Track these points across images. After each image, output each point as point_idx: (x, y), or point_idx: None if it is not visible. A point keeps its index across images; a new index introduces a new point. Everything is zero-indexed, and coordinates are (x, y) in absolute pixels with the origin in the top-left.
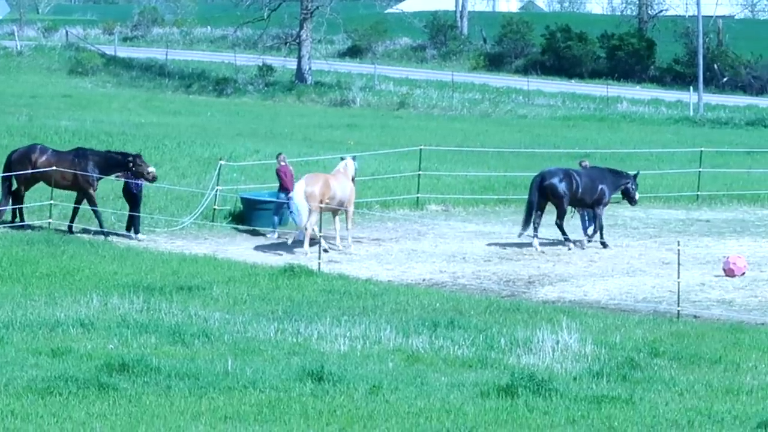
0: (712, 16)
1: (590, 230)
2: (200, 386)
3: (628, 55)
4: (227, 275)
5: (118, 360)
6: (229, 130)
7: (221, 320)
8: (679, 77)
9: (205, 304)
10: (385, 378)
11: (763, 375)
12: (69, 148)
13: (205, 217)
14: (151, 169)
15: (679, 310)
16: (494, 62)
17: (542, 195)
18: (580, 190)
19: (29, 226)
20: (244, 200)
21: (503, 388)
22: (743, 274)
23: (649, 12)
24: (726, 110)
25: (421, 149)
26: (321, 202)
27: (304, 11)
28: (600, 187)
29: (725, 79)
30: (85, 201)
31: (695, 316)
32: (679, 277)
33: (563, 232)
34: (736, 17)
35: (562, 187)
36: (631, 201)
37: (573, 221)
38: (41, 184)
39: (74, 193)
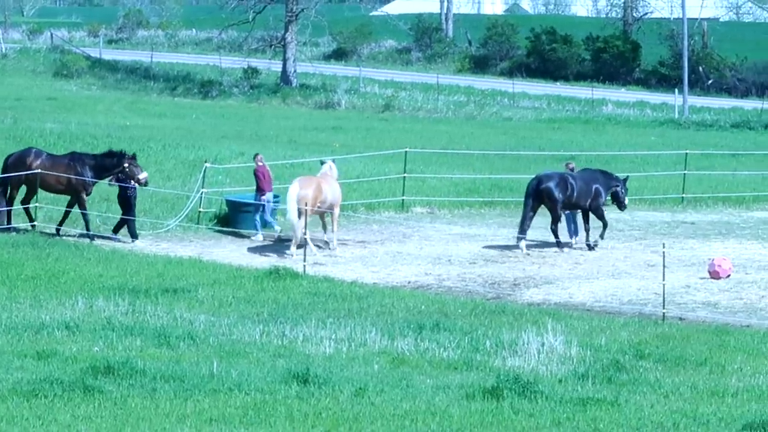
0: (697, 19)
1: (599, 234)
2: (185, 389)
3: (613, 58)
4: (212, 277)
5: (103, 362)
6: (214, 132)
7: (206, 323)
8: (664, 80)
9: (191, 306)
10: (370, 380)
11: (749, 377)
12: (63, 153)
13: (190, 219)
14: (143, 175)
15: (664, 313)
16: (479, 65)
17: (537, 198)
18: (575, 194)
19: (15, 229)
20: (229, 203)
21: (489, 390)
22: (728, 276)
23: (634, 14)
24: (711, 113)
25: (406, 152)
26: (313, 205)
27: (289, 14)
28: (594, 187)
29: (710, 82)
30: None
31: (680, 319)
32: (664, 280)
33: (556, 237)
34: (720, 20)
35: (557, 191)
36: (620, 205)
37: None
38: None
39: (59, 196)
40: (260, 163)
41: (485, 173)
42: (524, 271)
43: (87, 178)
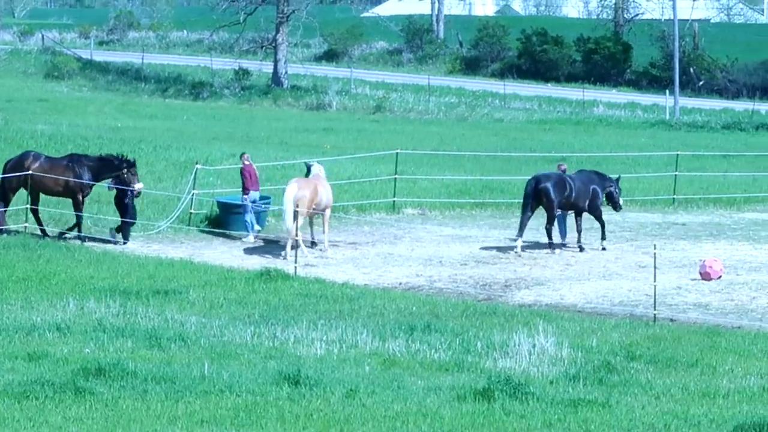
0: (688, 20)
1: (600, 236)
2: (177, 390)
3: (604, 59)
4: (203, 279)
5: (94, 364)
6: (205, 134)
7: (198, 324)
8: (655, 81)
9: (182, 308)
10: (361, 382)
11: (740, 378)
12: (54, 154)
13: (181, 221)
14: (138, 185)
15: (655, 314)
16: (470, 66)
17: (536, 198)
18: (573, 194)
19: (6, 231)
20: (221, 204)
21: (480, 391)
22: (719, 277)
23: (625, 16)
24: (702, 114)
25: (397, 153)
26: (309, 207)
27: (281, 15)
28: (592, 188)
29: (701, 83)
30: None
31: (672, 320)
32: (655, 281)
33: (550, 238)
34: (711, 21)
35: (555, 191)
36: (615, 206)
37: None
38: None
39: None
40: (247, 162)
41: (476, 174)
42: (515, 272)
43: (85, 180)
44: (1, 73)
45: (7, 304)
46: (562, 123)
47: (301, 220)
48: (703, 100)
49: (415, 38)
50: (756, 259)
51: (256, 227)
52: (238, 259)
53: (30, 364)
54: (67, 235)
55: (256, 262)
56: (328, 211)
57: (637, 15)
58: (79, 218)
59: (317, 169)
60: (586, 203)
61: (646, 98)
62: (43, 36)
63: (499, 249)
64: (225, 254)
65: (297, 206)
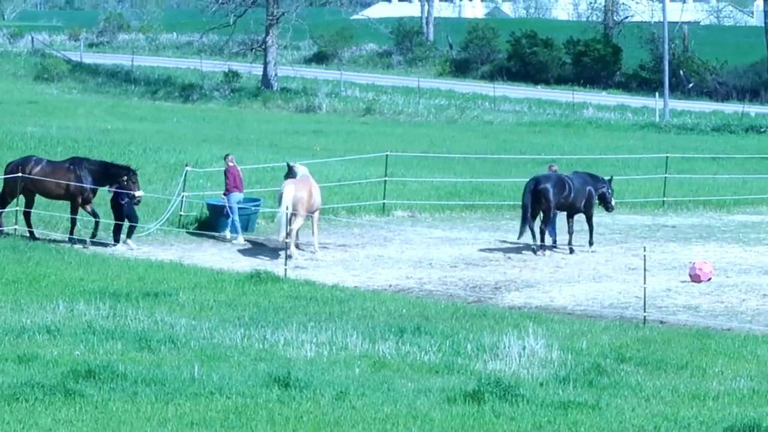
0: (677, 22)
1: (588, 241)
2: (167, 392)
3: (593, 61)
4: (193, 281)
5: (84, 366)
6: (195, 136)
7: (187, 326)
8: (644, 83)
9: (172, 310)
10: (351, 384)
11: (730, 380)
12: (45, 156)
13: (171, 223)
14: (139, 193)
15: (645, 316)
16: (460, 68)
17: (535, 199)
18: (572, 194)
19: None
20: (210, 206)
21: (470, 393)
22: (709, 279)
23: (615, 18)
24: (692, 116)
25: (387, 155)
26: (308, 208)
27: (270, 17)
28: (588, 189)
29: (691, 85)
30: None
31: (661, 322)
32: (645, 283)
33: (542, 239)
34: (701, 23)
35: (554, 192)
36: (608, 206)
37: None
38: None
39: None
40: (231, 164)
41: (466, 177)
42: (505, 274)
43: (86, 184)
44: None
45: None
46: (551, 125)
47: (301, 221)
48: (693, 103)
49: (405, 40)
50: (746, 261)
51: (241, 239)
52: (228, 262)
53: (20, 366)
54: (92, 240)
55: (246, 265)
56: (317, 213)
57: (627, 17)
58: (74, 221)
59: (303, 170)
60: (582, 204)
61: (636, 100)
62: (32, 38)
63: (489, 251)
64: (215, 256)
65: (296, 208)
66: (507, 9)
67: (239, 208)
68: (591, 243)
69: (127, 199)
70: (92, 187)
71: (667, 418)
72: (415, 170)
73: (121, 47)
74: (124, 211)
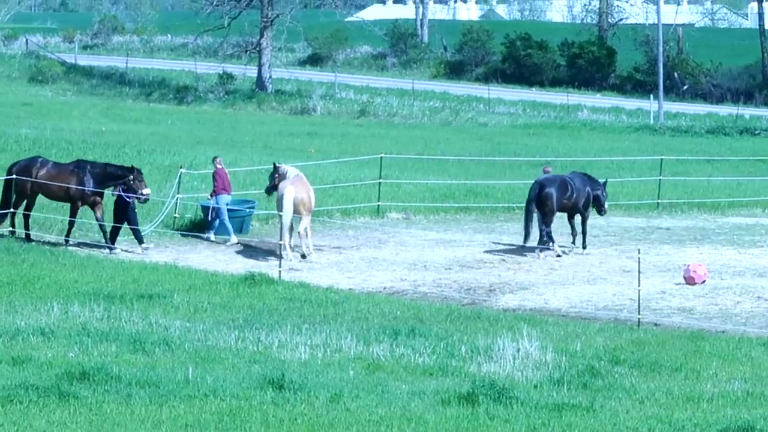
0: (672, 25)
1: (578, 240)
2: (161, 394)
3: (588, 63)
4: (188, 283)
5: (78, 368)
6: (189, 138)
7: (182, 328)
8: (639, 85)
9: (166, 312)
10: (346, 386)
11: (724, 383)
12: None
13: (165, 225)
14: (146, 191)
15: (639, 318)
16: (455, 70)
17: (539, 203)
18: (574, 195)
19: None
20: (205, 208)
21: (464, 396)
22: (704, 282)
23: (609, 20)
24: (686, 118)
25: (381, 157)
26: (308, 209)
27: (265, 19)
28: (587, 189)
29: (685, 87)
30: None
31: (656, 324)
32: (639, 285)
33: (542, 241)
34: (696, 25)
35: (557, 195)
36: (600, 210)
37: (534, 228)
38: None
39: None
40: (219, 166)
41: (461, 179)
42: (500, 276)
43: (87, 188)
44: None
45: None
46: (546, 127)
47: (307, 222)
48: (688, 105)
49: (400, 42)
50: (740, 264)
51: (234, 239)
52: (223, 264)
53: (14, 368)
54: (111, 246)
55: (241, 266)
56: (310, 215)
57: (621, 19)
58: (72, 224)
59: (295, 171)
60: (582, 204)
61: (631, 103)
62: (27, 40)
63: (483, 253)
64: (209, 258)
65: (297, 209)
66: (501, 11)
67: (234, 210)
68: (584, 246)
69: (133, 201)
70: (94, 190)
71: (661, 420)
72: (409, 172)
73: (115, 49)
74: (128, 214)
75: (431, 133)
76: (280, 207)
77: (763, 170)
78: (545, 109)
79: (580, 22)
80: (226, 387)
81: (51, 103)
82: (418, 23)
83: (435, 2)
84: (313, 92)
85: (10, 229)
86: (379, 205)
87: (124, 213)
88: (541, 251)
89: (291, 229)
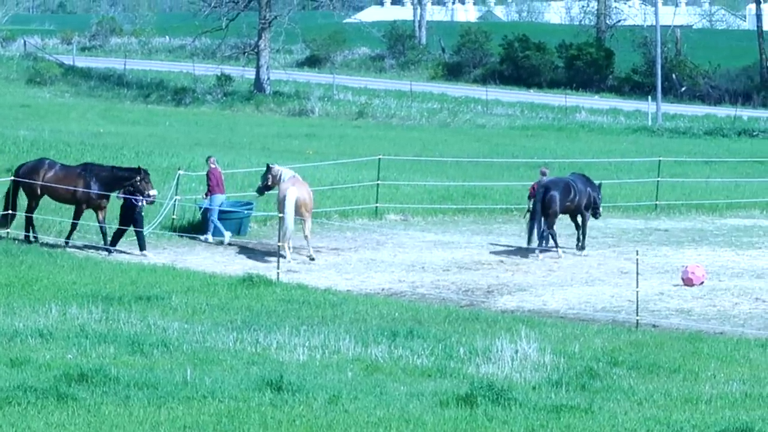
0: (670, 26)
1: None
2: (159, 396)
3: (586, 65)
4: (186, 285)
5: (76, 370)
6: (187, 139)
7: (180, 330)
8: (637, 87)
9: (164, 313)
10: (344, 387)
11: (722, 384)
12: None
13: (163, 226)
14: (153, 192)
15: (638, 320)
16: (453, 72)
17: (544, 206)
18: (577, 197)
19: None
20: (203, 210)
21: (462, 397)
22: (702, 283)
23: (608, 22)
24: (684, 120)
25: (379, 159)
26: (310, 210)
27: (263, 21)
28: (588, 190)
29: (683, 89)
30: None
31: (654, 326)
32: (637, 287)
33: (542, 242)
34: (694, 27)
35: (561, 198)
36: (596, 212)
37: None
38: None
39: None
40: (213, 166)
41: (459, 180)
42: (498, 278)
43: (94, 191)
44: None
45: None
46: (544, 129)
47: (310, 224)
48: (686, 106)
49: (398, 44)
50: (738, 265)
51: (227, 234)
52: (221, 265)
53: (12, 370)
54: (109, 248)
55: (239, 268)
56: (311, 216)
57: (619, 21)
58: (74, 226)
59: (291, 173)
60: (583, 205)
61: (629, 104)
62: (25, 42)
63: (481, 255)
64: (207, 260)
65: (299, 211)
66: (499, 13)
67: (232, 211)
68: (582, 247)
69: (141, 203)
70: (100, 193)
71: (659, 421)
72: (407, 174)
73: (113, 51)
74: (134, 216)
75: (429, 135)
76: (281, 208)
77: (761, 172)
78: (543, 111)
79: (578, 23)
80: (224, 388)
81: (49, 104)
82: (416, 25)
83: (433, 4)
84: (311, 94)
85: (34, 235)
86: (377, 207)
87: (131, 216)
88: (540, 252)
89: (292, 230)
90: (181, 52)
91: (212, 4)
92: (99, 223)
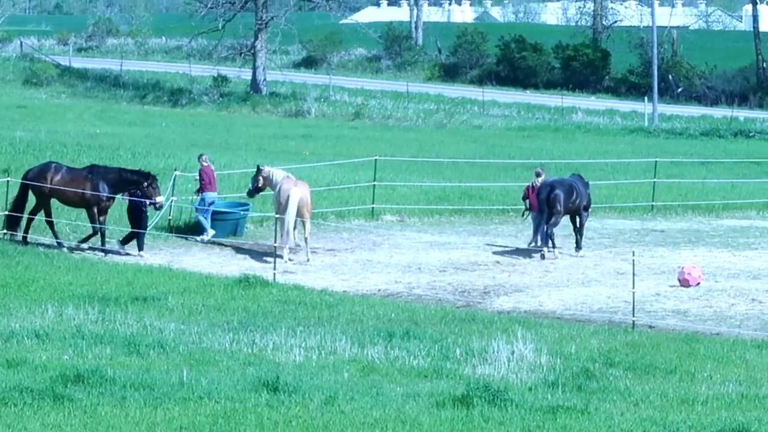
0: (666, 27)
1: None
2: (155, 397)
3: (582, 66)
4: (182, 286)
5: (73, 371)
6: (183, 140)
7: (176, 331)
8: (633, 88)
9: (160, 314)
10: (340, 388)
11: (718, 385)
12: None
13: (160, 227)
14: (160, 198)
15: (634, 320)
16: (449, 73)
17: (549, 205)
18: (578, 199)
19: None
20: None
21: (459, 398)
22: (698, 284)
23: (604, 23)
24: (680, 120)
25: (376, 160)
26: (310, 209)
27: (259, 22)
28: (587, 192)
29: (680, 90)
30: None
31: (650, 326)
32: (634, 288)
33: (551, 241)
34: (690, 28)
35: (565, 198)
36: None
37: (528, 231)
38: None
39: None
40: (205, 164)
41: (455, 181)
42: (494, 279)
43: (104, 193)
44: None
45: None
46: (540, 130)
47: (309, 225)
48: (682, 107)
49: (394, 45)
50: (734, 266)
51: (211, 232)
52: (217, 266)
53: (8, 371)
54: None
55: (235, 269)
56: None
57: (616, 22)
58: (96, 230)
59: (285, 174)
60: (583, 207)
61: (625, 105)
62: (21, 43)
63: (477, 255)
64: (204, 261)
65: (301, 212)
66: (496, 13)
67: (229, 212)
68: (579, 247)
69: (147, 206)
70: (109, 195)
71: (655, 422)
72: (404, 175)
73: (110, 52)
74: (143, 219)
75: (426, 136)
76: (282, 208)
77: (758, 172)
78: (540, 112)
79: (574, 24)
80: (220, 389)
81: (45, 105)
82: (413, 26)
83: (429, 5)
84: (307, 95)
85: (57, 241)
86: (373, 208)
87: (138, 217)
88: (554, 248)
89: (306, 227)
90: (177, 52)
91: (209, 5)
92: (100, 224)
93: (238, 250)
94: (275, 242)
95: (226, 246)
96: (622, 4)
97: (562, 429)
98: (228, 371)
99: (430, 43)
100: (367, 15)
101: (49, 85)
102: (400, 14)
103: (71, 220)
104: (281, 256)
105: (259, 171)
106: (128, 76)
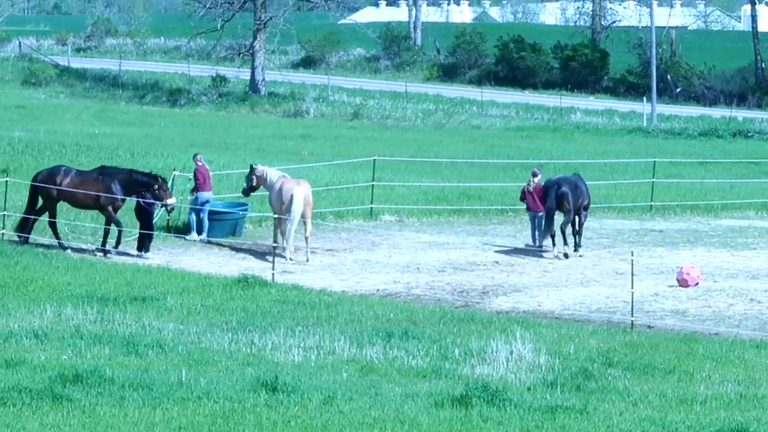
0: (665, 27)
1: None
2: (154, 397)
3: (581, 66)
4: (181, 286)
5: (71, 371)
6: (182, 140)
7: (175, 331)
8: (632, 88)
9: (159, 314)
10: (339, 388)
11: (717, 385)
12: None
13: (158, 227)
14: (171, 200)
15: (632, 321)
16: (448, 73)
17: (558, 203)
18: (580, 199)
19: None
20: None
21: (457, 398)
22: (697, 284)
23: (603, 23)
24: (679, 121)
25: (374, 160)
26: (312, 208)
27: (258, 22)
28: (588, 192)
29: (678, 90)
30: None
31: (649, 327)
32: (632, 288)
33: (566, 240)
34: (689, 28)
35: (572, 195)
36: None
37: (526, 231)
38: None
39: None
40: (200, 163)
41: (454, 181)
42: (493, 279)
43: (117, 195)
44: None
45: None
46: (539, 130)
47: (310, 225)
48: (681, 107)
49: (393, 45)
50: (733, 266)
51: (195, 236)
52: (216, 266)
53: (7, 371)
54: (117, 250)
55: (234, 269)
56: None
57: (615, 22)
58: (116, 230)
59: (277, 172)
60: (583, 206)
61: (624, 105)
62: (20, 43)
63: (476, 255)
64: (202, 261)
65: (304, 212)
66: (495, 14)
67: (227, 213)
68: (579, 246)
69: (156, 208)
70: (123, 197)
71: (654, 422)
72: (402, 175)
73: (108, 52)
74: (151, 220)
75: (424, 136)
76: (284, 208)
77: (756, 172)
78: (538, 112)
79: (573, 24)
80: (219, 389)
81: (44, 105)
82: (411, 26)
83: (428, 5)
84: (306, 95)
85: (58, 242)
86: (372, 208)
87: (147, 219)
88: (560, 247)
89: (306, 227)
90: (176, 53)
91: (207, 5)
92: (105, 225)
93: (237, 250)
94: (274, 242)
95: (224, 246)
96: (620, 5)
97: (561, 429)
98: (227, 371)
99: (428, 44)
100: (365, 15)
101: (47, 85)
102: (399, 14)
103: (70, 220)
104: (283, 256)
105: (252, 170)
106: (127, 77)
